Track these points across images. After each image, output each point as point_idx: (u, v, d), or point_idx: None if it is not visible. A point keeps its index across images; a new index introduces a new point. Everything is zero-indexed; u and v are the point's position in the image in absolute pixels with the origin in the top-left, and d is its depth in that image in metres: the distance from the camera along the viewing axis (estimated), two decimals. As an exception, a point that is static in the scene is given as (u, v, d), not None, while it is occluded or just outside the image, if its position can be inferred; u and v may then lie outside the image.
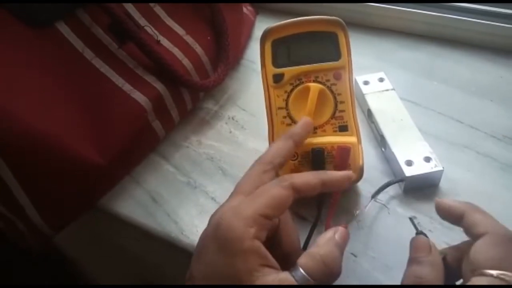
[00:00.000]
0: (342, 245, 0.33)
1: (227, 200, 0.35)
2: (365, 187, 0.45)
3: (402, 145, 0.45)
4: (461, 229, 0.34)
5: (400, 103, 0.50)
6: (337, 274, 0.32)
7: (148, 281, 0.62)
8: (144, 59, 0.48)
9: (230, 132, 0.53)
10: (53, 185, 0.43)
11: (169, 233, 0.45)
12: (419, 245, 0.34)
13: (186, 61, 0.52)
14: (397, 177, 0.45)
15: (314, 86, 0.43)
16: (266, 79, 0.44)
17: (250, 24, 0.66)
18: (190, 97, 0.53)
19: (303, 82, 0.43)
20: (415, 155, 0.44)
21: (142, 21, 0.50)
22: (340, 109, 0.43)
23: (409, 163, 0.44)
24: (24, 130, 0.40)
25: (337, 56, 0.43)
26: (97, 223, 0.51)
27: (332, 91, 0.43)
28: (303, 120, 0.41)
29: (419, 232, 0.36)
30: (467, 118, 0.51)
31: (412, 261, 0.34)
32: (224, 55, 0.55)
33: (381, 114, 0.49)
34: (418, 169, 0.43)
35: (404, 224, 0.42)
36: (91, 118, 0.45)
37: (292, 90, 0.44)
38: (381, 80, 0.53)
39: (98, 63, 0.46)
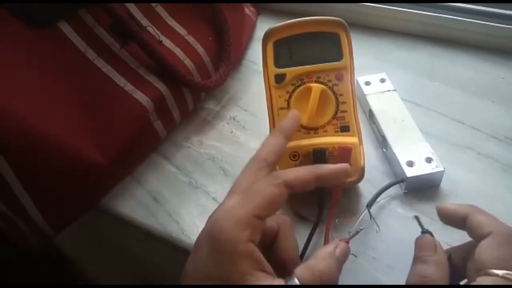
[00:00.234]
0: (341, 261, 0.33)
1: (224, 200, 0.34)
2: (366, 187, 0.45)
3: (403, 145, 0.46)
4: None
5: (401, 103, 0.50)
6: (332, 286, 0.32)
7: (148, 281, 0.62)
8: (146, 59, 0.48)
9: (232, 132, 0.53)
10: (54, 185, 0.43)
11: (170, 233, 0.45)
12: (424, 244, 0.34)
13: (187, 61, 0.52)
14: (398, 178, 0.45)
15: (315, 87, 0.43)
16: (268, 79, 0.44)
17: (251, 25, 0.66)
18: (192, 97, 0.53)
19: (305, 83, 0.44)
20: (416, 155, 0.44)
21: (144, 21, 0.50)
22: (342, 110, 0.43)
23: (410, 163, 0.44)
24: (25, 130, 0.40)
25: (339, 56, 0.43)
26: (98, 223, 0.51)
27: (333, 92, 0.43)
28: (291, 113, 0.41)
29: (424, 231, 0.35)
30: (468, 119, 0.51)
31: (417, 260, 0.34)
32: (226, 56, 0.55)
33: (382, 114, 0.49)
34: (419, 169, 0.43)
35: (405, 224, 0.42)
36: (93, 118, 0.45)
37: (293, 91, 0.44)
38: (382, 80, 0.53)
39: (100, 63, 0.46)
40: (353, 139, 0.43)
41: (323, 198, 0.42)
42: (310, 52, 0.44)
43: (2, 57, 0.41)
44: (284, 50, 0.44)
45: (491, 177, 0.46)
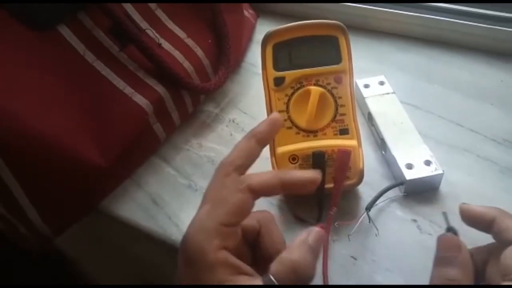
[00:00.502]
0: (315, 249, 0.32)
1: (197, 211, 0.34)
2: (365, 190, 0.45)
3: (402, 148, 0.46)
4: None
5: (400, 106, 0.50)
6: (308, 278, 0.31)
7: (148, 282, 0.62)
8: (145, 62, 0.48)
9: (231, 135, 0.53)
10: (53, 187, 0.43)
11: (170, 235, 0.45)
12: (448, 243, 0.33)
13: (187, 64, 0.52)
14: (397, 180, 0.45)
15: (314, 90, 0.43)
16: (267, 82, 0.44)
17: (251, 27, 0.66)
18: (191, 100, 0.53)
19: (304, 86, 0.44)
20: (415, 158, 0.44)
21: (144, 24, 0.50)
22: (341, 113, 0.43)
23: (409, 166, 0.44)
24: (24, 132, 0.40)
25: (338, 59, 0.44)
26: (98, 224, 0.51)
27: (332, 95, 0.43)
28: (270, 116, 0.39)
29: (449, 228, 0.34)
30: (467, 122, 0.51)
31: (440, 260, 0.32)
32: (225, 58, 0.55)
33: (381, 117, 0.49)
34: (418, 172, 0.43)
35: (404, 227, 0.42)
36: (92, 121, 0.45)
37: (293, 94, 0.44)
38: (381, 83, 0.53)
39: (99, 65, 0.46)
40: (352, 142, 0.43)
41: (323, 200, 0.42)
42: (309, 55, 0.44)
43: (3, 58, 0.41)
44: (283, 53, 0.44)
45: (490, 180, 0.46)
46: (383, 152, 0.48)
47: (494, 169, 0.47)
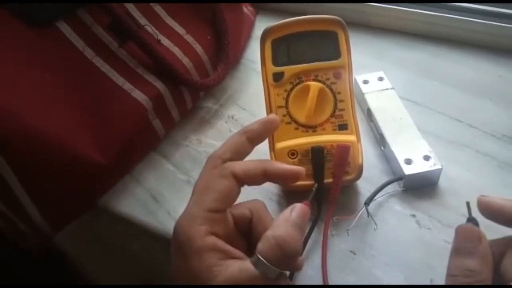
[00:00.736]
0: (299, 223, 0.32)
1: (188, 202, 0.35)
2: (364, 185, 0.45)
3: (401, 143, 0.46)
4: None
5: (399, 102, 0.50)
6: (293, 254, 0.31)
7: (148, 280, 0.62)
8: (145, 58, 0.48)
9: (230, 131, 0.54)
10: (53, 184, 0.44)
11: (170, 231, 0.44)
12: (468, 233, 0.32)
13: (186, 60, 0.52)
14: (396, 176, 0.45)
15: (314, 85, 0.43)
16: (266, 78, 0.44)
17: (250, 24, 0.66)
18: (190, 96, 0.53)
19: (303, 81, 0.44)
20: (414, 153, 0.44)
21: (143, 21, 0.50)
22: (340, 108, 0.43)
23: (408, 161, 0.44)
24: (24, 129, 0.40)
25: (337, 55, 0.44)
26: (98, 221, 0.51)
27: (332, 90, 0.43)
28: (266, 116, 0.39)
29: (470, 219, 0.33)
30: (466, 117, 0.51)
31: (459, 251, 0.32)
32: (224, 55, 0.55)
33: (380, 113, 0.49)
34: (417, 167, 0.43)
35: (403, 222, 0.43)
36: (92, 117, 0.45)
37: (292, 89, 0.44)
38: (380, 79, 0.53)
39: (98, 62, 0.46)
40: (351, 137, 0.43)
41: (322, 195, 0.43)
42: (308, 50, 0.44)
43: (3, 56, 0.41)
44: (282, 48, 0.44)
45: (488, 175, 0.46)
46: (382, 148, 0.48)
47: (493, 164, 0.47)
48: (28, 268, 0.67)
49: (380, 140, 0.48)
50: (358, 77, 0.53)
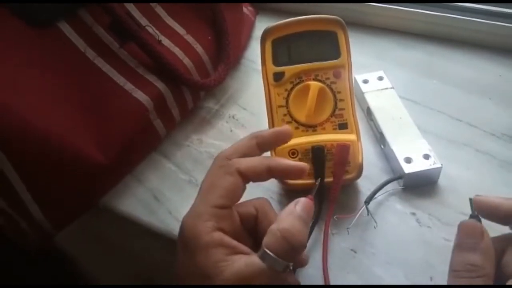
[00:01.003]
0: (304, 217, 0.32)
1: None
2: (364, 184, 0.45)
3: (401, 142, 0.46)
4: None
5: (399, 101, 0.50)
6: (299, 246, 0.31)
7: (148, 279, 0.62)
8: (145, 59, 0.48)
9: (231, 131, 0.54)
10: (55, 183, 0.44)
11: (171, 230, 0.45)
12: (470, 229, 0.32)
13: (187, 61, 0.52)
14: (396, 174, 0.45)
15: (314, 85, 0.43)
16: (267, 78, 0.45)
17: (250, 24, 0.67)
18: (191, 96, 0.54)
19: (303, 81, 0.44)
20: (414, 152, 0.45)
21: (143, 21, 0.50)
22: (340, 107, 0.44)
23: (408, 160, 0.44)
24: (26, 129, 0.40)
25: (336, 54, 0.44)
26: (99, 221, 0.51)
27: (331, 89, 0.44)
28: (279, 127, 0.40)
29: (472, 215, 0.33)
30: (466, 116, 0.51)
31: (462, 246, 0.32)
32: (225, 55, 0.56)
33: (380, 112, 0.49)
34: (417, 166, 0.44)
35: (403, 220, 0.43)
36: (93, 117, 0.45)
37: (292, 89, 0.44)
38: (380, 78, 0.53)
39: (100, 62, 0.47)
40: (351, 136, 0.43)
41: (322, 195, 0.43)
42: (308, 50, 0.44)
43: (5, 55, 0.41)
44: (283, 48, 0.44)
45: (488, 174, 0.46)
46: (382, 147, 0.48)
47: (492, 163, 0.47)
48: (28, 268, 0.67)
49: (380, 139, 0.49)
50: (358, 77, 0.53)
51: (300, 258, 0.36)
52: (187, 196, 0.47)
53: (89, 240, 0.59)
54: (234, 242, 0.32)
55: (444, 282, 0.37)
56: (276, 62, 0.44)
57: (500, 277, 0.31)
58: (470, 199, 0.34)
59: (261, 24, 0.67)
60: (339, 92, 0.44)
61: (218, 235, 0.32)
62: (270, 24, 0.45)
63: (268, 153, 0.44)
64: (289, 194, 0.46)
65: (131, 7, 0.50)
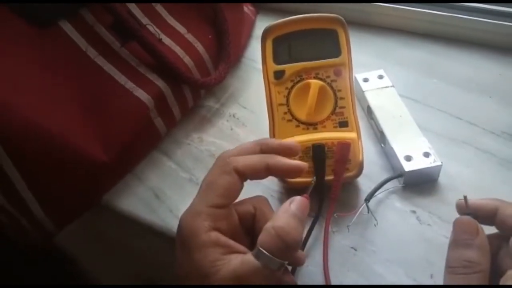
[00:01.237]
0: (299, 214, 0.33)
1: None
2: (364, 182, 0.45)
3: (401, 141, 0.46)
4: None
5: (399, 100, 0.50)
6: (293, 243, 0.32)
7: (149, 278, 0.62)
8: (146, 57, 0.48)
9: (231, 129, 0.54)
10: (56, 181, 0.44)
11: (172, 228, 0.45)
12: (465, 226, 0.33)
13: (187, 59, 0.52)
14: (396, 172, 0.45)
15: (314, 83, 0.43)
16: (267, 76, 0.45)
17: (250, 23, 0.67)
18: (192, 94, 0.54)
19: (303, 79, 0.44)
20: (414, 150, 0.45)
21: (144, 20, 0.51)
22: (340, 105, 0.44)
23: (408, 158, 0.44)
24: (27, 126, 0.41)
25: (337, 53, 0.44)
26: (99, 220, 0.51)
27: (332, 88, 0.44)
28: (289, 141, 0.39)
29: (468, 213, 0.34)
30: (466, 115, 0.51)
31: (458, 243, 0.32)
32: (225, 53, 0.56)
33: (380, 110, 0.49)
34: (417, 164, 0.44)
35: (403, 218, 0.43)
36: (94, 116, 0.45)
37: (292, 87, 0.44)
38: (380, 77, 0.53)
39: (101, 61, 0.47)
40: (352, 134, 0.43)
41: (323, 193, 0.43)
42: (309, 48, 0.44)
43: (6, 54, 0.42)
44: (283, 46, 0.44)
45: (488, 172, 0.46)
46: (382, 145, 0.48)
47: (492, 161, 0.47)
48: (28, 268, 0.67)
49: (380, 138, 0.49)
50: (358, 75, 0.53)
51: (297, 257, 0.36)
52: (187, 195, 0.47)
53: (89, 239, 0.60)
54: (231, 242, 0.32)
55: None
56: (276, 60, 0.44)
57: (496, 274, 0.31)
58: (465, 197, 0.35)
59: (262, 24, 0.67)
60: (339, 90, 0.44)
61: (215, 235, 0.32)
62: (270, 23, 0.45)
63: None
64: (289, 192, 0.46)
65: (132, 6, 0.50)
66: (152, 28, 0.51)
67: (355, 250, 0.41)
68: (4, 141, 0.40)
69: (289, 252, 0.32)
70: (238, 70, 0.62)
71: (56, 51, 0.44)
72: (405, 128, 0.47)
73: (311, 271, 0.40)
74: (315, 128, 0.44)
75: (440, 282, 0.38)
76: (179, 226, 0.34)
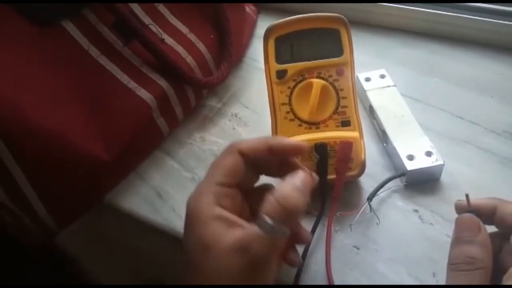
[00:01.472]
0: (299, 185, 0.33)
1: None
2: (367, 181, 0.45)
3: (403, 140, 0.46)
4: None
5: (401, 99, 0.51)
6: (298, 211, 0.32)
7: (149, 279, 0.62)
8: (149, 57, 0.49)
9: (234, 129, 0.54)
10: (59, 180, 0.44)
11: (174, 227, 0.45)
12: (468, 223, 0.33)
13: (189, 59, 0.52)
14: (398, 171, 0.45)
15: (316, 82, 0.43)
16: (270, 76, 0.45)
17: (252, 23, 0.67)
18: (194, 94, 0.54)
19: (306, 78, 0.44)
20: (416, 149, 0.45)
21: (147, 20, 0.51)
22: (343, 105, 0.44)
23: (410, 157, 0.44)
24: (30, 126, 0.41)
25: (339, 52, 0.44)
26: (102, 219, 0.52)
27: (334, 87, 0.44)
28: (300, 142, 0.39)
29: (470, 211, 0.34)
30: (467, 114, 0.52)
31: (460, 240, 0.32)
32: (227, 53, 0.56)
33: (382, 110, 0.50)
34: (419, 163, 0.44)
35: (405, 217, 0.43)
36: (96, 115, 0.45)
37: (295, 86, 0.44)
38: (382, 76, 0.53)
39: (103, 60, 0.47)
40: (354, 134, 0.44)
41: (325, 191, 0.43)
42: (311, 48, 0.44)
43: (9, 54, 0.42)
44: (285, 46, 0.45)
45: (489, 170, 0.46)
46: (385, 144, 0.48)
47: (494, 160, 0.47)
48: (28, 268, 0.67)
49: (382, 137, 0.49)
50: (360, 75, 0.53)
51: (302, 233, 0.37)
52: (190, 193, 0.48)
53: (90, 239, 0.60)
54: (234, 217, 0.33)
55: (447, 278, 0.38)
56: (279, 60, 0.45)
57: (498, 272, 0.32)
58: (466, 195, 0.35)
59: (263, 23, 0.68)
60: (341, 90, 0.44)
61: (218, 210, 0.33)
62: (272, 23, 0.45)
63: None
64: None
65: (134, 6, 0.50)
66: (154, 28, 0.51)
67: (358, 249, 0.41)
68: (6, 140, 0.40)
69: (290, 218, 0.32)
70: (240, 69, 0.62)
71: (58, 50, 0.44)
72: (407, 128, 0.47)
73: (313, 269, 0.40)
74: (318, 128, 0.44)
75: (443, 281, 0.38)
76: (187, 206, 0.35)
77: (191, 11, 0.55)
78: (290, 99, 0.44)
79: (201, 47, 0.54)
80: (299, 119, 0.44)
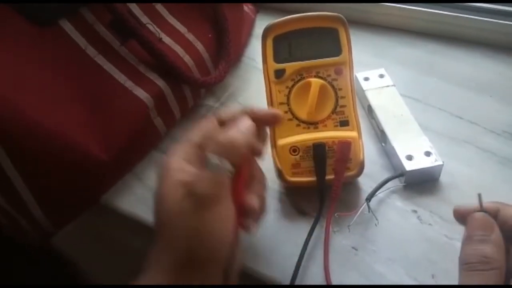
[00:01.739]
0: (241, 129, 0.35)
1: None
2: (365, 181, 0.45)
3: (402, 140, 0.46)
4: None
5: (400, 99, 0.50)
6: (233, 144, 0.34)
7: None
8: (146, 56, 0.48)
9: (232, 128, 0.54)
10: (55, 181, 0.44)
11: (172, 228, 0.45)
12: (481, 222, 0.32)
13: (187, 58, 0.52)
14: (397, 172, 0.45)
15: (315, 82, 0.43)
16: (268, 75, 0.45)
17: (250, 22, 0.67)
18: (191, 94, 0.54)
19: (304, 78, 0.44)
20: (415, 149, 0.45)
21: (144, 19, 0.50)
22: (341, 104, 0.44)
23: (409, 157, 0.44)
24: (27, 125, 0.40)
25: (338, 51, 0.44)
26: (99, 219, 0.51)
27: (333, 86, 0.44)
28: (274, 110, 0.42)
29: (481, 210, 0.33)
30: (466, 114, 0.51)
31: (473, 238, 0.32)
32: (225, 53, 0.55)
33: (381, 109, 0.49)
34: (418, 163, 0.44)
35: (404, 217, 0.43)
36: (94, 115, 0.45)
37: (293, 86, 0.44)
38: (381, 76, 0.53)
39: (100, 60, 0.47)
40: (353, 134, 0.43)
41: (324, 192, 0.43)
42: (310, 47, 0.44)
43: (6, 53, 0.41)
44: (284, 45, 0.44)
45: (489, 171, 0.46)
46: (383, 144, 0.48)
47: (493, 160, 0.47)
48: (28, 268, 0.67)
49: (381, 137, 0.48)
50: (359, 74, 0.53)
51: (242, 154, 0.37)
52: (188, 194, 0.47)
53: (88, 240, 0.59)
54: (193, 170, 0.34)
55: (446, 279, 0.38)
56: (277, 59, 0.44)
57: (509, 274, 0.31)
58: (479, 194, 0.34)
59: (262, 23, 0.67)
60: (340, 89, 0.44)
61: (181, 163, 0.34)
62: (270, 22, 0.45)
63: (269, 150, 0.44)
64: (290, 191, 0.46)
65: (132, 5, 0.50)
66: (152, 27, 0.51)
67: (356, 249, 0.41)
68: (3, 140, 0.40)
69: (233, 153, 0.34)
70: (238, 69, 0.61)
71: (56, 50, 0.44)
72: (406, 127, 0.47)
73: (312, 271, 0.40)
74: (316, 127, 0.44)
75: (442, 281, 0.38)
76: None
77: (189, 10, 0.55)
78: (288, 99, 0.44)
79: (199, 46, 0.53)
80: (297, 118, 0.44)
